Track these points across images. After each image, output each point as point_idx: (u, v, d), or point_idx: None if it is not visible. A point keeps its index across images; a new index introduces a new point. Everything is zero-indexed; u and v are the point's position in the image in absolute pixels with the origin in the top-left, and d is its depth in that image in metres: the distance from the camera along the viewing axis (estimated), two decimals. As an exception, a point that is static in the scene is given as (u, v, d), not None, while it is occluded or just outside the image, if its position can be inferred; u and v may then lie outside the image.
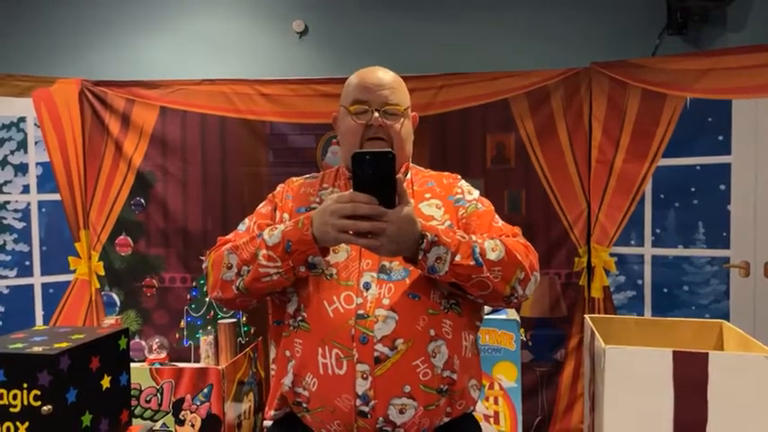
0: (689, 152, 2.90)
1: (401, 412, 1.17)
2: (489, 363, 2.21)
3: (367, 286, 1.21)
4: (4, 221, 3.04)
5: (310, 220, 1.16)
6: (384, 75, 1.35)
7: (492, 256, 1.17)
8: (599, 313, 3.02)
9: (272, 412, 1.31)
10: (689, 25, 3.11)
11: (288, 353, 1.24)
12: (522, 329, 2.36)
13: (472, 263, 1.15)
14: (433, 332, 1.20)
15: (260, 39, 3.42)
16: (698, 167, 2.91)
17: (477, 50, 3.29)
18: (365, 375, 1.16)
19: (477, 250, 1.16)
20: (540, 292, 3.07)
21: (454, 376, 1.21)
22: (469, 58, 3.26)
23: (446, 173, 1.43)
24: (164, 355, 3.01)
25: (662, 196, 2.98)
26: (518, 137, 3.10)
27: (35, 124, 3.09)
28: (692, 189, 2.93)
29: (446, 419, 1.23)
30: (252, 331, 3.07)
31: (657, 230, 3.01)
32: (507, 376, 2.22)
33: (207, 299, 2.99)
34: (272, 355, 1.34)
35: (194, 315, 3.02)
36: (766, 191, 2.77)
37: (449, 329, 1.22)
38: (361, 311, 1.19)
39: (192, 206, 3.22)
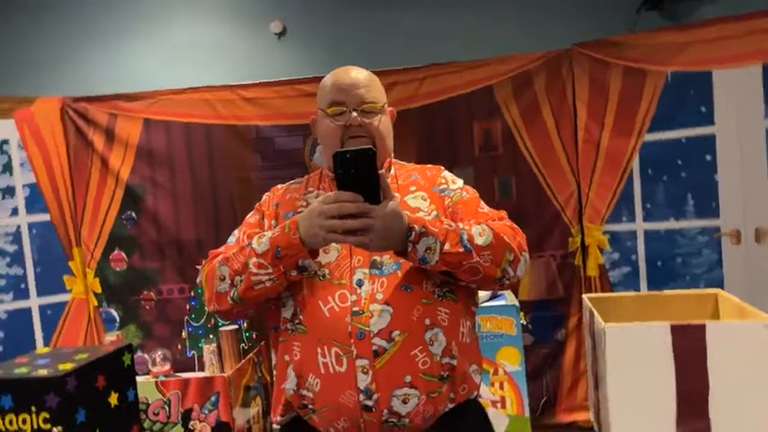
0: (673, 126, 2.92)
1: (404, 402, 1.18)
2: (492, 349, 2.23)
3: (360, 283, 1.22)
4: (-4, 246, 3.02)
5: (296, 224, 1.16)
6: (358, 74, 1.35)
7: (480, 241, 1.19)
8: (596, 291, 3.04)
9: (277, 418, 1.31)
10: (665, 0, 3.12)
11: (287, 357, 1.25)
12: (521, 313, 2.37)
13: (461, 249, 1.16)
14: (428, 321, 1.21)
15: (238, 43, 3.41)
16: (683, 140, 2.93)
17: (458, 40, 3.30)
18: (365, 370, 1.17)
19: (465, 237, 1.18)
20: (536, 274, 3.09)
21: (454, 362, 1.22)
22: (451, 48, 3.26)
23: (429, 165, 1.44)
24: (167, 366, 3.01)
25: (650, 171, 3.00)
26: (504, 123, 3.11)
27: (19, 145, 3.07)
28: (679, 162, 2.95)
29: (450, 405, 1.24)
30: (254, 336, 3.08)
31: (648, 205, 3.04)
32: (510, 361, 2.23)
33: (207, 309, 2.98)
34: (274, 361, 1.35)
35: (195, 324, 3.01)
36: (751, 158, 2.79)
37: (444, 317, 1.23)
38: (356, 308, 1.20)
39: (184, 216, 3.21)
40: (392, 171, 1.40)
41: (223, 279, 1.23)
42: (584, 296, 1.75)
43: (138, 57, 3.42)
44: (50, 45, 3.43)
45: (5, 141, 3.04)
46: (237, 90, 3.17)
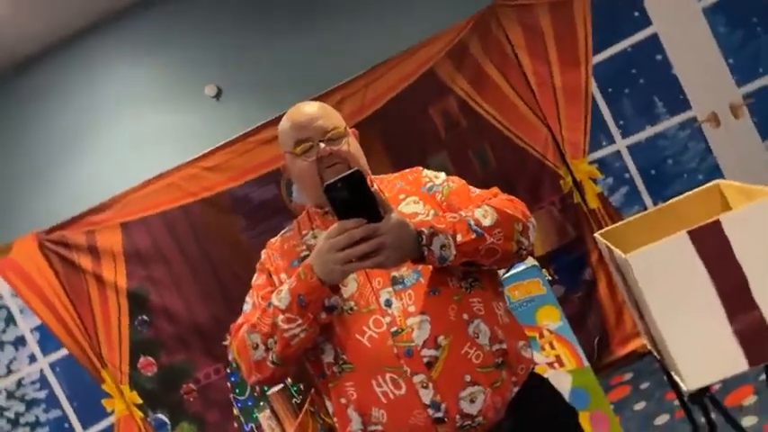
0: (615, 39, 2.95)
1: (472, 401, 1.18)
2: (529, 315, 2.22)
3: (389, 303, 1.21)
4: (27, 398, 3.00)
5: (309, 267, 1.16)
6: (310, 108, 1.35)
7: (487, 222, 1.19)
8: (602, 220, 3.06)
9: (352, 459, 1.30)
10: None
11: (343, 400, 1.24)
12: (543, 270, 2.38)
13: (474, 236, 1.17)
14: (466, 316, 1.21)
15: (180, 118, 3.41)
16: (629, 49, 2.96)
17: (383, 35, 3.29)
18: (425, 384, 1.17)
19: (473, 222, 1.18)
20: (543, 227, 3.10)
21: (503, 346, 1.23)
22: (381, 46, 3.25)
23: (407, 170, 1.44)
24: (232, 448, 2.99)
25: (610, 90, 3.03)
26: (457, 97, 3.12)
27: (12, 294, 3.05)
28: (633, 71, 2.98)
29: (515, 389, 1.24)
30: (302, 387, 3.07)
31: (621, 122, 3.06)
32: (551, 318, 2.24)
33: (249, 382, 2.97)
34: (331, 409, 1.34)
35: (242, 398, 3.00)
36: (698, 41, 2.82)
37: (479, 306, 1.23)
38: (394, 328, 1.19)
39: (193, 300, 3.20)
40: (375, 187, 1.40)
41: (256, 347, 1.22)
42: (596, 235, 1.75)
43: (94, 164, 3.41)
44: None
45: (-1, 296, 3.03)
46: (197, 163, 3.16)
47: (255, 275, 1.40)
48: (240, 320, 1.32)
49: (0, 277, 3.05)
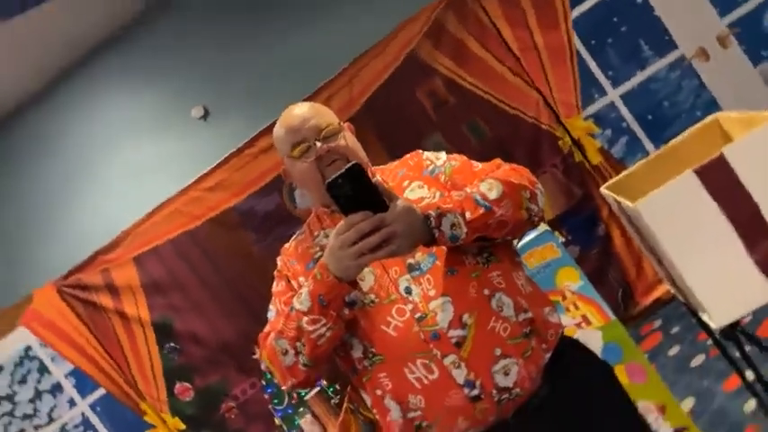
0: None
1: (506, 374, 1.18)
2: (549, 279, 2.21)
3: (408, 290, 1.22)
4: (72, 442, 3.04)
5: (325, 266, 1.17)
6: (301, 109, 1.35)
7: (493, 194, 1.19)
8: (607, 174, 3.04)
9: (399, 448, 1.31)
10: None
11: (379, 391, 1.25)
12: (555, 233, 2.37)
13: (482, 210, 1.17)
14: (487, 291, 1.21)
15: (173, 144, 3.41)
16: (606, -2, 2.93)
17: (360, 27, 3.27)
18: (457, 364, 1.17)
19: (479, 197, 1.18)
20: (549, 190, 3.08)
21: (529, 314, 1.23)
22: (359, 38, 3.22)
23: (406, 155, 1.44)
24: (280, 457, 3.02)
25: (593, 42, 3.00)
26: (442, 76, 3.11)
27: (41, 345, 3.09)
28: (615, 19, 2.95)
29: (548, 356, 1.24)
30: (338, 387, 3.09)
31: (609, 72, 3.04)
32: (571, 279, 2.23)
33: (284, 388, 3.00)
34: (369, 401, 1.35)
35: (281, 408, 3.03)
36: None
37: (499, 280, 1.23)
38: (417, 314, 1.20)
39: (217, 320, 3.22)
40: (377, 178, 1.40)
41: (286, 352, 1.23)
42: (603, 189, 1.75)
43: (95, 202, 3.43)
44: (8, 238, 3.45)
45: (29, 348, 3.07)
46: (197, 186, 3.17)
47: (275, 283, 1.41)
48: (266, 329, 1.33)
49: (26, 329, 3.08)
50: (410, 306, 1.21)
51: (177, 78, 3.41)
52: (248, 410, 3.25)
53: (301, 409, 2.99)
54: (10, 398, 3.04)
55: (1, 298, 3.31)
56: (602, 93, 3.06)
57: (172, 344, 3.23)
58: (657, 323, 3.05)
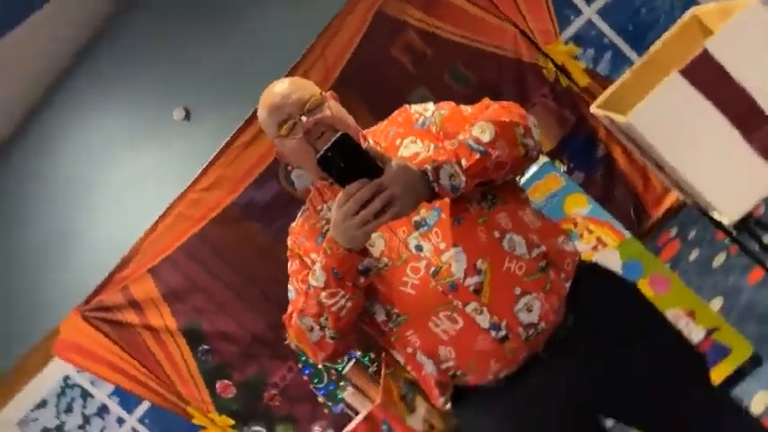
0: None
1: (529, 310, 1.19)
2: (558, 209, 2.21)
3: (419, 248, 1.22)
4: (126, 459, 3.12)
5: (332, 239, 1.17)
6: (281, 86, 1.33)
7: (486, 137, 1.17)
8: (597, 93, 2.99)
9: (440, 400, 1.33)
10: None
11: (409, 349, 1.27)
12: (556, 163, 2.36)
13: (477, 156, 1.16)
14: (497, 234, 1.21)
15: (162, 150, 3.40)
16: None
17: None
18: (479, 310, 1.18)
19: (473, 143, 1.17)
20: (542, 122, 3.05)
21: (542, 249, 1.22)
22: (324, 7, 3.16)
23: (394, 113, 1.42)
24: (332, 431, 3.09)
25: (559, -38, 2.93)
26: (414, 28, 3.05)
27: (78, 372, 3.14)
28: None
29: (568, 284, 1.24)
30: (373, 356, 3.13)
31: (581, -9, 2.97)
32: (580, 205, 2.22)
33: (320, 366, 3.05)
34: (402, 360, 1.37)
35: (323, 386, 3.08)
36: None
37: (507, 221, 1.23)
38: (432, 269, 1.20)
39: (243, 316, 3.26)
40: (370, 141, 1.39)
41: (312, 329, 1.25)
42: (592, 109, 1.72)
43: (98, 221, 3.44)
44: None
45: (67, 378, 3.13)
46: (194, 188, 3.16)
47: (289, 263, 1.41)
48: (290, 310, 1.34)
49: (61, 360, 3.13)
50: (423, 262, 1.21)
51: (152, 85, 3.37)
52: (290, 395, 3.31)
53: (342, 383, 3.05)
54: (60, 428, 3.12)
55: (28, 335, 3.36)
56: (578, 12, 2.99)
57: (204, 346, 3.28)
58: (674, 231, 3.04)
